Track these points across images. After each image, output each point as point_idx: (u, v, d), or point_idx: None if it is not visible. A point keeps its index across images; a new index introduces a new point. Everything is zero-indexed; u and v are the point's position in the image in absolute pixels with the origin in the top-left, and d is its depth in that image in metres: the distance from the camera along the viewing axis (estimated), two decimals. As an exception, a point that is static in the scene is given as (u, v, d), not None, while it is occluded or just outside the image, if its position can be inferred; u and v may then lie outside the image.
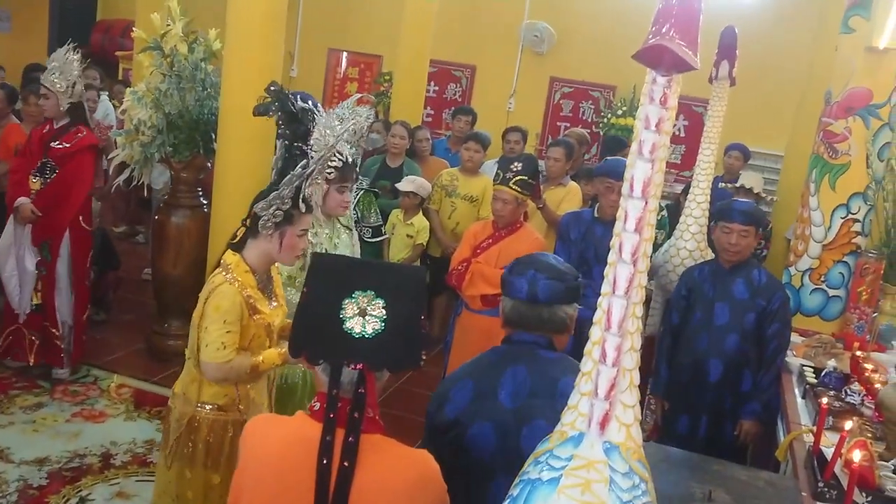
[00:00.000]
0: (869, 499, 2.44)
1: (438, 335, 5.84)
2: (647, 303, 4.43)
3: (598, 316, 1.46)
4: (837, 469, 2.53)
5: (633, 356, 1.46)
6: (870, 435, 2.87)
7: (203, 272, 4.97)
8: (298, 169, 2.51)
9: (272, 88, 2.77)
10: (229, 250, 2.58)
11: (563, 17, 8.97)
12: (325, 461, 1.57)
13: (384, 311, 1.61)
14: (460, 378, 2.12)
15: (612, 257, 1.45)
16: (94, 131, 5.18)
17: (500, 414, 1.99)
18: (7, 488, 3.66)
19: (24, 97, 5.52)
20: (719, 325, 3.64)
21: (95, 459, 3.99)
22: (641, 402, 1.63)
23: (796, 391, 3.49)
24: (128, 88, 5.29)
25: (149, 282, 5.95)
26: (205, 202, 5.24)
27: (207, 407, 2.59)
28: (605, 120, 8.77)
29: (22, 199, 4.62)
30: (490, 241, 4.09)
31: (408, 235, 5.58)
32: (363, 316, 1.61)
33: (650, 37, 1.32)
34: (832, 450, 2.55)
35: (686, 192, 4.98)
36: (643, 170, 1.40)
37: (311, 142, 2.66)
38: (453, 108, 7.93)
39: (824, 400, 2.96)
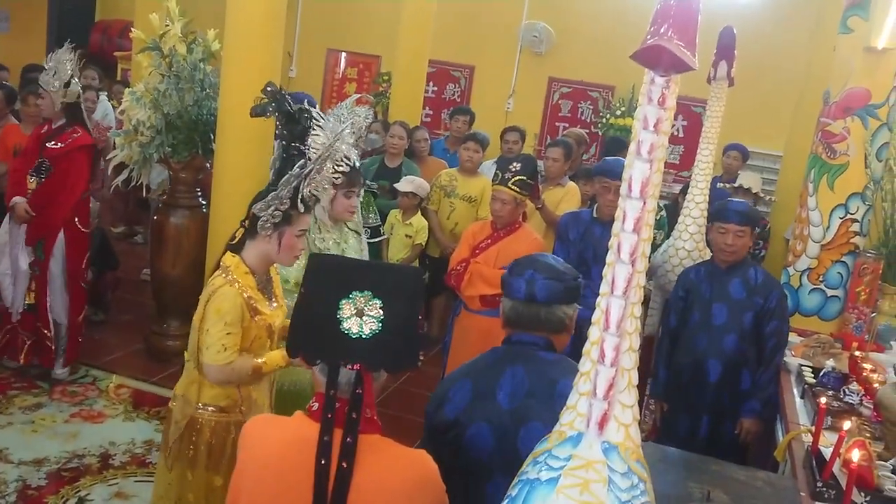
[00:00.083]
0: (867, 498, 2.44)
1: (437, 335, 5.84)
2: (646, 303, 4.44)
3: (597, 316, 1.46)
4: (836, 469, 2.53)
5: (632, 356, 1.46)
6: (868, 435, 2.87)
7: (202, 272, 4.97)
8: (296, 169, 2.51)
9: (269, 89, 2.77)
10: (228, 252, 2.57)
11: (562, 17, 8.98)
12: (323, 462, 1.57)
13: (381, 312, 1.61)
14: (459, 378, 2.12)
15: (610, 257, 1.45)
16: (93, 132, 5.18)
17: (498, 415, 2.00)
18: (6, 489, 3.65)
19: (23, 98, 5.52)
20: (717, 326, 3.65)
21: (94, 460, 3.99)
22: (640, 403, 1.63)
23: (795, 391, 3.50)
24: (126, 89, 5.29)
25: (147, 282, 5.96)
26: (203, 202, 5.24)
27: (210, 408, 2.59)
28: (604, 120, 8.78)
29: (17, 199, 4.64)
30: (489, 241, 4.09)
31: (406, 235, 5.58)
32: (360, 316, 1.61)
33: (648, 37, 1.32)
34: (831, 450, 2.55)
35: (684, 192, 4.99)
36: (641, 170, 1.40)
37: (317, 145, 2.66)
38: (452, 108, 7.93)
39: (823, 400, 2.96)
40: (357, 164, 3.19)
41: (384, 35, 8.64)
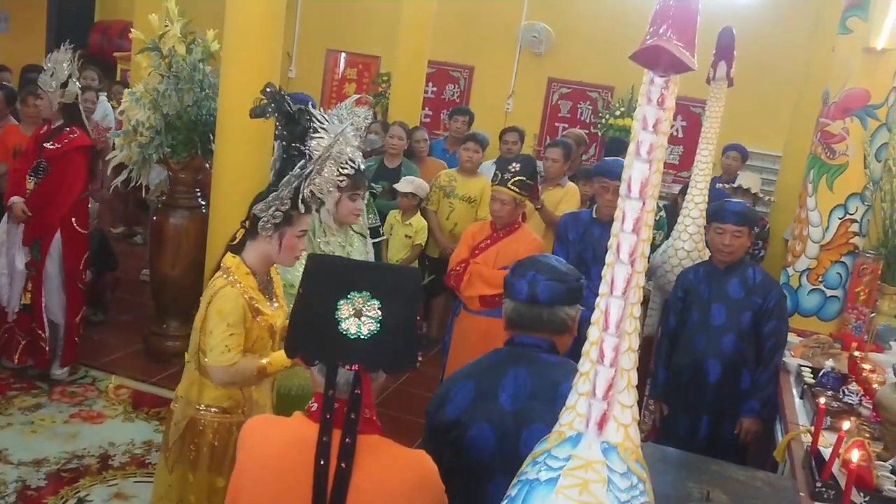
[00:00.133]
0: (867, 499, 2.44)
1: (436, 336, 5.84)
2: (645, 303, 4.44)
3: (596, 316, 1.47)
4: (835, 469, 2.53)
5: (631, 356, 1.46)
6: (867, 435, 2.87)
7: (201, 273, 4.98)
8: (297, 170, 2.51)
9: (268, 90, 2.77)
10: (229, 253, 2.58)
11: (561, 17, 8.98)
12: (321, 462, 1.57)
13: (380, 312, 1.60)
14: (461, 379, 2.12)
15: (609, 258, 1.45)
16: (92, 133, 5.18)
17: (500, 416, 1.99)
18: (5, 489, 3.65)
19: (23, 98, 5.53)
20: (716, 326, 3.65)
21: (93, 460, 3.99)
22: (639, 403, 1.64)
23: (794, 391, 3.50)
24: (126, 89, 5.29)
25: (147, 283, 5.96)
26: (203, 203, 5.24)
27: (212, 410, 2.59)
28: (603, 120, 8.78)
29: (14, 199, 4.65)
30: (488, 241, 4.09)
31: (406, 236, 5.58)
32: (359, 317, 1.60)
33: (647, 37, 1.32)
34: (830, 450, 2.55)
35: (683, 192, 4.99)
36: (641, 170, 1.40)
37: (322, 146, 2.66)
38: (451, 108, 7.93)
39: (822, 400, 2.96)
40: (362, 166, 3.19)
41: (383, 35, 8.65)
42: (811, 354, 3.77)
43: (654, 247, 4.30)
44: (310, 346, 1.66)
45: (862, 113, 4.05)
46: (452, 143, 6.83)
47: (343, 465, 1.57)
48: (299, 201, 2.51)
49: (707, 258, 3.97)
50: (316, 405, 1.66)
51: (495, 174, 4.09)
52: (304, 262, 1.89)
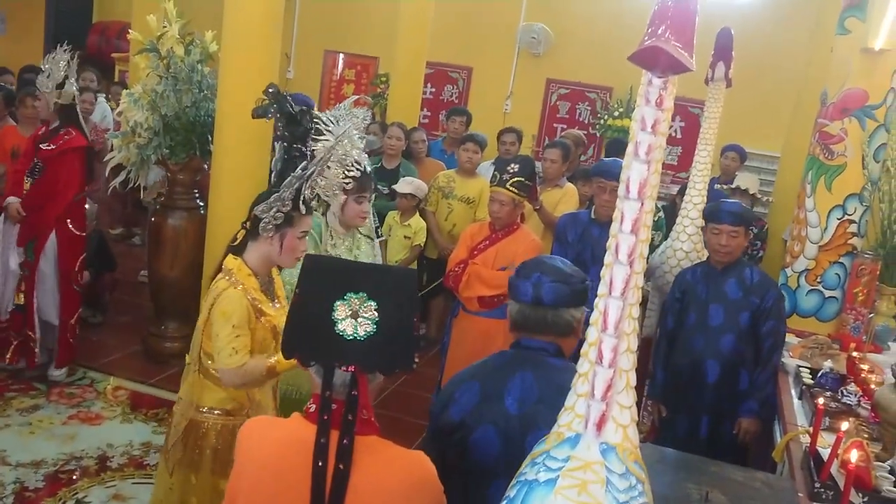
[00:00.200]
0: (865, 499, 2.44)
1: (435, 337, 5.84)
2: (644, 304, 4.44)
3: (595, 317, 1.47)
4: (834, 470, 2.53)
5: (630, 357, 1.46)
6: (866, 435, 2.87)
7: (199, 274, 4.97)
8: (298, 171, 2.52)
9: (270, 91, 2.77)
10: (230, 255, 2.58)
11: (559, 18, 8.98)
12: (320, 463, 1.57)
13: (376, 314, 1.60)
14: (465, 380, 2.11)
15: (608, 258, 1.45)
16: (91, 134, 5.18)
17: (506, 419, 1.98)
18: (3, 491, 3.65)
19: (21, 99, 5.53)
20: (714, 326, 3.66)
21: (92, 462, 3.99)
22: (638, 404, 1.63)
23: (793, 392, 3.50)
24: (124, 90, 5.29)
25: (145, 284, 5.95)
26: (201, 204, 5.24)
27: (216, 412, 2.59)
28: (602, 121, 8.79)
29: (11, 199, 4.67)
30: (487, 242, 4.09)
31: (405, 237, 5.58)
32: (355, 318, 1.60)
33: (646, 38, 1.32)
34: (829, 450, 2.55)
35: (682, 193, 4.99)
36: (639, 171, 1.40)
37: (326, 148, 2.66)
38: (449, 109, 7.93)
39: (821, 401, 2.96)
40: (368, 168, 3.17)
41: (382, 36, 8.64)
42: (810, 355, 3.77)
43: (652, 247, 4.30)
44: (306, 346, 1.65)
45: (860, 113, 4.05)
46: (450, 143, 6.83)
47: (341, 466, 1.56)
48: (300, 202, 2.51)
49: (706, 259, 3.97)
50: (314, 406, 1.66)
51: (494, 175, 4.08)
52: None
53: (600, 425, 1.46)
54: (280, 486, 1.62)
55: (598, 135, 8.90)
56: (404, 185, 5.54)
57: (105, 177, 5.86)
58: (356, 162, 2.93)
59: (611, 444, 1.46)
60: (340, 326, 1.60)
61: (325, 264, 1.83)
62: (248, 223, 2.58)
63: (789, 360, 3.74)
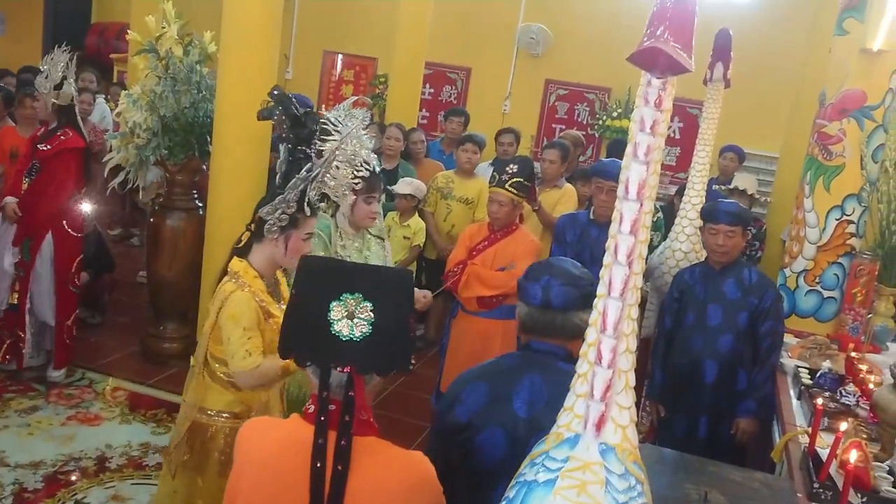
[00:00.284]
0: (864, 500, 2.44)
1: (434, 337, 5.84)
2: (643, 305, 4.44)
3: (594, 318, 1.47)
4: (833, 470, 2.54)
5: (629, 358, 1.47)
6: (865, 436, 2.88)
7: (198, 275, 4.97)
8: (303, 172, 2.52)
9: (275, 93, 2.77)
10: (235, 257, 2.58)
11: (558, 19, 8.98)
12: (318, 464, 1.57)
13: (372, 315, 1.60)
14: (472, 380, 2.09)
15: (607, 259, 1.45)
16: (89, 135, 5.17)
17: (513, 421, 1.97)
18: (2, 492, 3.65)
19: (19, 100, 5.52)
20: (712, 327, 3.66)
21: (90, 463, 3.98)
22: (637, 404, 1.64)
23: (791, 392, 3.50)
24: (123, 91, 5.29)
25: (144, 284, 5.95)
26: (200, 205, 5.23)
27: (224, 415, 2.60)
28: (601, 122, 8.79)
29: (8, 199, 4.68)
30: (486, 242, 4.09)
31: (404, 237, 5.58)
32: (351, 319, 1.60)
33: (645, 39, 1.33)
34: (827, 451, 2.55)
35: (680, 193, 5.00)
36: (638, 172, 1.40)
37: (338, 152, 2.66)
38: (447, 109, 7.93)
39: (819, 401, 2.96)
40: (377, 168, 3.16)
41: (381, 37, 8.64)
42: (808, 355, 3.77)
43: (651, 248, 4.30)
44: (302, 347, 1.65)
45: (858, 114, 4.06)
46: (449, 144, 6.83)
47: (339, 467, 1.56)
48: (305, 204, 2.52)
49: (704, 259, 3.98)
50: (313, 407, 1.66)
51: (493, 175, 4.09)
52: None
53: (599, 426, 1.46)
54: (279, 486, 1.62)
55: (596, 135, 8.91)
56: (404, 186, 5.54)
57: (104, 177, 5.85)
58: (365, 162, 2.93)
59: (610, 444, 1.46)
60: (336, 327, 1.60)
61: (321, 265, 1.83)
62: (252, 225, 2.58)
63: (788, 361, 3.74)
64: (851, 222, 4.16)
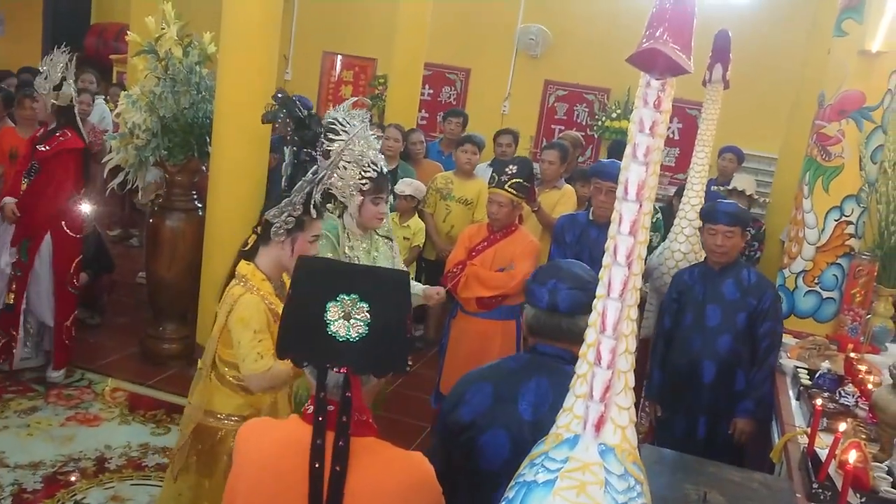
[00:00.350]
0: (863, 500, 2.45)
1: (434, 338, 5.84)
2: (642, 305, 4.45)
3: (593, 318, 1.47)
4: (832, 470, 2.54)
5: (628, 358, 1.47)
6: (864, 436, 2.88)
7: (197, 276, 4.97)
8: (309, 175, 2.53)
9: (279, 95, 2.78)
10: (242, 260, 2.58)
11: (557, 20, 8.98)
12: (316, 465, 1.57)
13: (368, 315, 1.60)
14: (477, 381, 2.09)
15: (606, 260, 1.45)
16: (88, 135, 5.17)
17: (518, 424, 1.97)
18: (2, 492, 3.64)
19: (19, 101, 5.52)
20: (711, 327, 3.66)
21: (90, 463, 3.98)
22: (636, 405, 1.64)
23: (790, 393, 3.51)
24: (122, 92, 5.29)
25: (143, 285, 5.95)
26: (199, 205, 5.23)
27: (233, 419, 2.60)
28: (600, 123, 8.80)
29: (7, 199, 4.67)
30: (485, 243, 4.09)
31: (404, 238, 5.58)
32: (347, 319, 1.60)
33: (644, 40, 1.33)
34: (826, 451, 2.55)
35: (679, 194, 5.00)
36: (637, 173, 1.40)
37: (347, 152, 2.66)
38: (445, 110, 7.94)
39: (818, 401, 2.97)
40: (384, 169, 3.16)
41: (380, 38, 8.64)
42: (807, 356, 3.78)
43: (650, 249, 4.30)
44: (299, 347, 1.65)
45: (857, 115, 4.06)
46: (447, 144, 6.83)
47: (338, 467, 1.56)
48: (311, 206, 2.52)
49: (703, 259, 3.98)
50: (312, 407, 1.66)
51: (492, 176, 4.09)
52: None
53: (599, 426, 1.46)
54: (279, 486, 1.62)
55: (595, 136, 8.91)
56: (404, 187, 5.54)
57: (103, 178, 5.86)
58: (373, 162, 2.93)
59: (609, 445, 1.46)
60: (333, 328, 1.60)
61: (318, 265, 1.83)
62: (259, 228, 2.59)
63: (787, 361, 3.75)
64: (850, 223, 4.16)
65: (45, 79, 4.54)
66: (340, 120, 2.79)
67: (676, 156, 8.65)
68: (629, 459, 1.47)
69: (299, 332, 1.65)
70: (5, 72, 7.45)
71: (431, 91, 9.59)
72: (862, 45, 3.99)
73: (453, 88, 9.68)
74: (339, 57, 10.18)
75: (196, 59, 4.98)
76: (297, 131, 2.70)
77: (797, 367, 3.63)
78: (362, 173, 2.69)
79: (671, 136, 8.55)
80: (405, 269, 3.70)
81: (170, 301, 5.25)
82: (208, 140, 4.95)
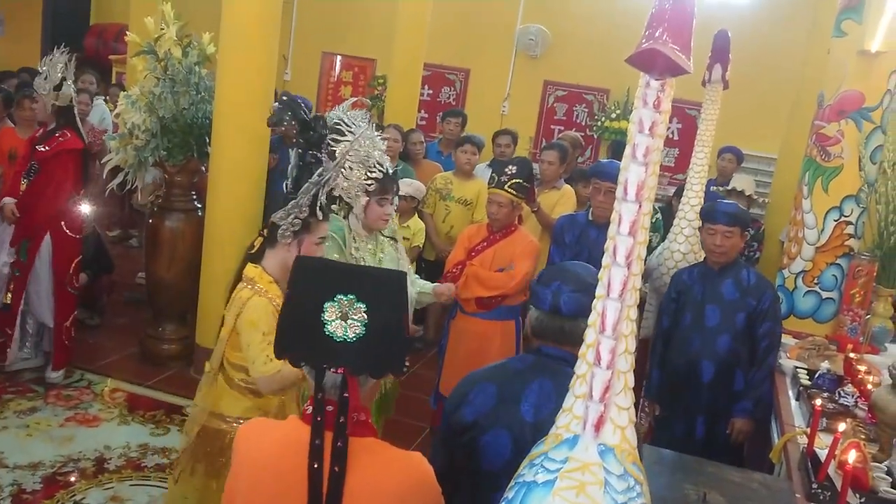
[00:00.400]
0: (862, 500, 2.45)
1: (433, 338, 5.84)
2: (641, 305, 4.45)
3: (593, 319, 1.47)
4: (831, 470, 2.54)
5: (628, 359, 1.47)
6: (863, 436, 2.88)
7: (197, 276, 4.97)
8: (315, 177, 2.53)
9: (284, 98, 2.79)
10: (249, 263, 2.59)
11: (557, 20, 8.99)
12: (315, 465, 1.57)
13: (365, 316, 1.60)
14: (480, 381, 2.08)
15: (606, 260, 1.45)
16: (88, 136, 5.17)
17: (520, 425, 1.97)
18: (1, 493, 3.64)
19: (18, 101, 5.52)
20: (710, 327, 3.66)
21: (89, 464, 3.98)
22: (636, 405, 1.64)
23: (790, 393, 3.51)
24: (122, 92, 5.29)
25: (142, 286, 5.95)
26: (199, 206, 5.23)
27: (242, 421, 2.60)
28: (599, 123, 8.80)
29: (6, 199, 4.68)
30: (484, 244, 4.10)
31: (404, 238, 5.58)
32: (344, 320, 1.59)
33: (643, 40, 1.33)
34: (826, 451, 2.55)
35: (678, 194, 5.00)
36: (637, 173, 1.40)
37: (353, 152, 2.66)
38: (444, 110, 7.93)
39: (818, 402, 2.97)
40: (390, 170, 3.16)
41: (380, 38, 8.63)
42: (807, 356, 3.78)
43: (650, 249, 4.31)
44: (296, 347, 1.65)
45: (857, 115, 4.06)
46: (446, 145, 6.83)
47: (336, 468, 1.56)
48: (317, 208, 2.53)
49: (702, 260, 3.98)
50: (310, 408, 1.66)
51: (492, 177, 4.09)
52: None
53: (598, 427, 1.46)
54: (278, 487, 1.62)
55: (595, 137, 8.91)
56: (403, 187, 5.52)
57: (102, 179, 5.86)
58: (378, 163, 2.92)
59: (609, 445, 1.46)
60: (330, 328, 1.60)
61: (316, 265, 1.82)
62: (265, 231, 2.60)
63: (786, 362, 3.75)
64: (850, 223, 4.16)
65: (45, 79, 4.55)
66: (346, 120, 2.79)
67: (676, 156, 8.65)
68: (629, 460, 1.47)
69: (296, 333, 1.65)
70: (5, 72, 7.45)
71: (431, 91, 9.59)
72: (861, 46, 3.99)
73: (453, 89, 9.68)
74: (339, 57, 10.18)
75: (195, 59, 4.98)
76: (302, 133, 2.71)
77: (797, 368, 3.63)
78: (368, 174, 2.69)
79: (670, 136, 8.56)
80: (410, 269, 3.70)
81: (169, 301, 5.25)
82: (208, 140, 4.95)
